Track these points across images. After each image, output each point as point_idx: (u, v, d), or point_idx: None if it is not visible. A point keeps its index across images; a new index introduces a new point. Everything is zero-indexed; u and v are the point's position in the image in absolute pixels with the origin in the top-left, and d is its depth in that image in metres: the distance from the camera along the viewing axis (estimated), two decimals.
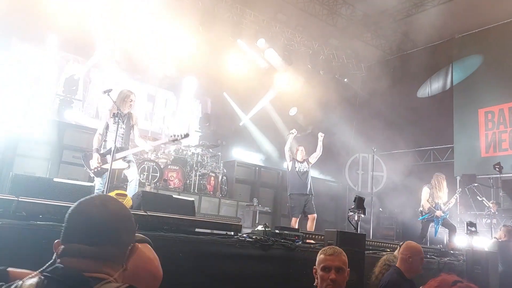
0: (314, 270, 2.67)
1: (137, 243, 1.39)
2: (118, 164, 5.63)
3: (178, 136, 5.85)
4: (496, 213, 9.33)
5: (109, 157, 5.35)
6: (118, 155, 5.54)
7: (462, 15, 11.92)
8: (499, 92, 11.28)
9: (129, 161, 5.83)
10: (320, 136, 8.34)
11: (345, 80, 14.62)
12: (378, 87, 13.14)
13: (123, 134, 5.82)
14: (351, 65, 14.78)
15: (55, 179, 3.95)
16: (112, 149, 5.08)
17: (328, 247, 2.72)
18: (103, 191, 5.05)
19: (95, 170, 5.57)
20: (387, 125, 12.96)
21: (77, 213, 1.30)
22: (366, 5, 12.69)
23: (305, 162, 8.25)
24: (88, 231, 1.26)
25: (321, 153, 8.35)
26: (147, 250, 1.60)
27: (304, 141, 9.69)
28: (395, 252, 4.53)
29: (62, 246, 1.24)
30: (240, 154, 13.33)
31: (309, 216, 7.92)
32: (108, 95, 5.21)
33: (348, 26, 13.36)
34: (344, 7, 12.77)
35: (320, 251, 2.70)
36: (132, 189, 5.66)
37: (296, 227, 7.35)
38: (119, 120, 5.33)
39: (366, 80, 14.49)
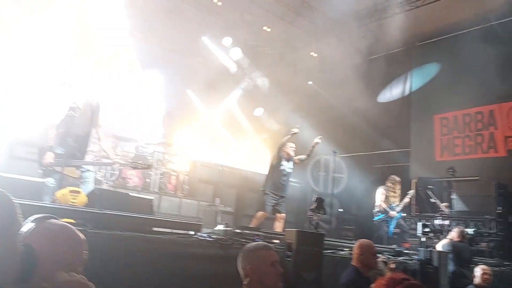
0: (251, 269, 2.45)
1: None
2: (71, 171, 5.11)
3: (138, 164, 5.44)
4: (448, 214, 9.73)
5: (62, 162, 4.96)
6: (74, 163, 5.08)
7: (422, 24, 12.35)
8: (454, 100, 11.77)
9: (84, 171, 5.20)
10: (317, 140, 8.06)
11: (310, 82, 14.80)
12: (340, 90, 13.40)
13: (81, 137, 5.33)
14: (316, 68, 14.97)
15: (4, 175, 3.75)
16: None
17: (262, 243, 2.60)
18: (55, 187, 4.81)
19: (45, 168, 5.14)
20: (349, 128, 13.22)
21: None
22: (331, 9, 12.90)
23: (291, 162, 7.94)
24: None
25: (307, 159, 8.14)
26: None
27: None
28: None
29: None
30: (203, 153, 13.21)
31: (278, 215, 7.69)
32: (64, 87, 5.00)
33: (314, 30, 13.55)
34: (310, 11, 12.94)
35: (256, 249, 2.54)
36: (88, 189, 5.34)
37: (261, 221, 7.35)
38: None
39: (330, 83, 14.73)
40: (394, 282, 1.91)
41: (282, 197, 7.73)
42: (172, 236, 4.12)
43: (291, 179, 14.01)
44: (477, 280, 5.49)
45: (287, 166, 7.76)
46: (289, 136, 7.79)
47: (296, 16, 13.04)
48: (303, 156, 8.02)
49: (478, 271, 5.59)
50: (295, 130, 7.69)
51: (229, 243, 4.46)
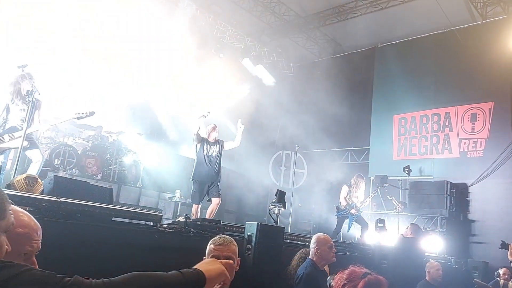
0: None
1: None
2: (16, 143, 5.23)
3: (83, 114, 5.50)
4: (402, 211, 10.13)
5: (6, 137, 5.07)
6: (15, 134, 5.23)
7: (386, 26, 12.72)
8: (413, 101, 12.21)
9: (29, 140, 5.39)
10: (240, 126, 7.33)
11: (273, 81, 14.84)
12: (305, 87, 13.59)
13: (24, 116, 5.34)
14: (281, 64, 15.10)
15: None
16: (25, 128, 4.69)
17: (217, 237, 2.62)
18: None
19: None
20: (311, 124, 13.43)
21: None
22: (299, 6, 13.05)
23: (217, 145, 7.29)
24: None
25: (238, 145, 7.46)
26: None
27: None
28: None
29: None
30: (165, 143, 13.00)
31: (212, 199, 7.12)
32: (23, 70, 4.79)
33: (281, 25, 13.64)
34: (278, 6, 13.00)
35: (210, 241, 2.61)
36: (34, 171, 5.27)
37: (198, 215, 6.88)
38: (28, 100, 4.92)
39: (294, 80, 14.89)
40: (355, 276, 1.88)
41: (212, 182, 7.14)
42: (132, 226, 4.05)
43: (250, 172, 14.25)
44: (430, 275, 5.68)
45: (210, 150, 7.18)
46: (199, 123, 7.14)
47: (264, 11, 13.07)
48: (232, 144, 7.38)
49: (430, 266, 5.78)
50: (206, 115, 7.13)
51: (189, 235, 4.44)
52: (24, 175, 4.19)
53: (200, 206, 7.13)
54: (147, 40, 11.50)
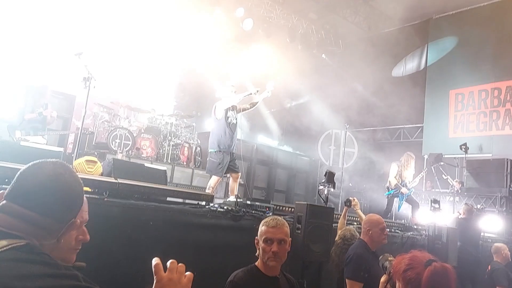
0: (256, 241, 2.61)
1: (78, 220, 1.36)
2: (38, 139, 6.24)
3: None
4: (459, 191, 9.73)
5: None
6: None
7: None
8: (470, 75, 11.55)
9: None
10: (269, 90, 6.66)
11: (323, 56, 14.60)
12: (354, 64, 13.21)
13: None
14: (329, 41, 14.74)
15: (22, 143, 3.84)
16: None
17: (270, 218, 2.64)
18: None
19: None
20: (361, 102, 13.11)
21: (26, 175, 1.30)
22: None
23: (235, 110, 6.66)
24: (30, 196, 1.25)
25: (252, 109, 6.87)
26: None
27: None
28: (351, 227, 4.71)
29: (4, 201, 1.26)
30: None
31: (233, 174, 6.69)
32: (79, 57, 5.04)
33: (328, 1, 13.26)
34: None
35: (262, 222, 2.63)
36: None
37: (216, 187, 6.58)
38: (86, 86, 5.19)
39: (343, 57, 14.52)
40: (418, 262, 1.69)
41: (233, 153, 6.62)
42: (184, 206, 4.22)
43: (299, 153, 14.21)
44: (498, 257, 5.82)
45: (232, 116, 6.58)
46: (242, 97, 6.59)
47: None
48: (247, 107, 6.82)
49: (499, 247, 5.91)
50: (253, 91, 6.57)
51: (240, 214, 4.55)
52: (85, 158, 4.46)
53: (220, 179, 6.70)
54: (194, 19, 11.64)
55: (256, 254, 2.61)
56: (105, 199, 3.46)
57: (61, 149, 4.82)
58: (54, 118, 6.92)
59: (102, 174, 4.41)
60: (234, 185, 6.69)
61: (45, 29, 9.48)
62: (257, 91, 6.66)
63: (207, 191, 6.45)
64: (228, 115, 6.48)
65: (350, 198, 5.32)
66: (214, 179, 6.55)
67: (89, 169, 4.21)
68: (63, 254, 1.32)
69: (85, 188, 3.49)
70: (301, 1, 13.21)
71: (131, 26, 10.77)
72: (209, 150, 6.55)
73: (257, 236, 2.62)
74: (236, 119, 6.61)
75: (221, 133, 6.44)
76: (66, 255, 1.34)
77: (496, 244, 6.17)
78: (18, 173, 1.30)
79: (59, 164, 1.36)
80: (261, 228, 2.60)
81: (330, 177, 5.52)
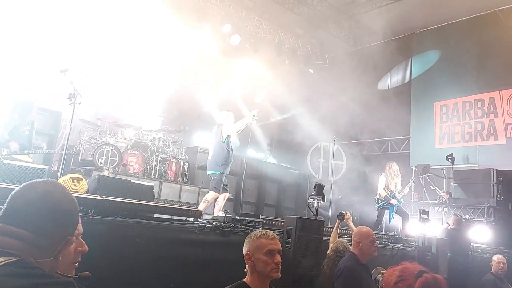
0: (247, 256, 2.54)
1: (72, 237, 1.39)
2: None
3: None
4: (447, 201, 9.79)
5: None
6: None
7: (422, 11, 12.26)
8: (454, 87, 11.75)
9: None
10: (253, 114, 6.81)
11: (310, 70, 14.73)
12: (340, 78, 13.35)
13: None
14: (316, 55, 14.90)
15: (5, 161, 3.76)
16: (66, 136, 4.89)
17: (263, 231, 2.63)
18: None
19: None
20: (348, 115, 13.21)
21: (17, 196, 1.32)
22: None
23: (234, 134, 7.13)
24: (20, 215, 1.28)
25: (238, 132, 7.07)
26: None
27: None
28: (343, 239, 4.68)
29: None
30: (203, 140, 13.20)
31: (224, 193, 6.93)
32: (65, 74, 5.00)
33: (314, 16, 13.45)
34: None
35: (255, 236, 2.58)
36: None
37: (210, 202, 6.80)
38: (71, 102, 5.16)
39: (330, 71, 14.67)
40: (409, 273, 1.66)
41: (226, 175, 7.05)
42: (173, 222, 4.15)
43: (289, 166, 14.21)
44: (493, 268, 5.90)
45: (233, 142, 7.13)
46: (246, 122, 6.89)
47: (296, 3, 12.93)
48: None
49: (493, 260, 6.00)
50: (254, 114, 6.76)
51: (229, 230, 4.50)
52: (70, 175, 4.38)
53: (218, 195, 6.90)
54: (181, 35, 11.69)
55: (246, 270, 2.56)
56: (91, 216, 3.39)
57: (46, 167, 4.73)
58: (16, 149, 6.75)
59: (87, 192, 4.33)
60: (223, 203, 6.89)
61: (32, 45, 9.41)
62: (254, 116, 6.83)
63: (201, 204, 6.76)
64: (230, 139, 6.98)
65: (343, 211, 5.32)
66: (212, 194, 6.83)
67: (74, 186, 4.14)
68: (63, 268, 1.37)
69: None
70: (287, 17, 13.38)
71: (118, 40, 10.76)
72: (214, 172, 6.87)
73: (247, 250, 2.56)
74: (233, 141, 7.09)
75: (225, 155, 6.88)
76: (66, 268, 1.39)
77: (493, 256, 6.35)
78: (10, 194, 1.33)
79: (50, 183, 1.39)
80: (258, 241, 2.56)
81: (319, 190, 5.51)
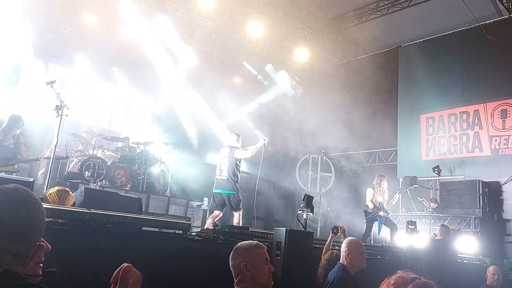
0: (244, 267, 2.47)
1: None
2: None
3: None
4: (434, 210, 9.90)
5: None
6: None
7: (408, 25, 12.52)
8: (439, 100, 11.93)
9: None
10: (264, 140, 7.27)
11: (297, 78, 14.82)
12: (328, 91, 13.48)
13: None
14: (303, 68, 15.05)
15: None
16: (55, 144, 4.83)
17: (254, 242, 2.62)
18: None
19: None
20: (336, 127, 13.31)
21: None
22: (318, 10, 13.01)
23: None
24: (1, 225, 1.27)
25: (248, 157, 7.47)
26: None
27: None
28: (336, 251, 4.68)
29: None
30: (192, 152, 13.16)
31: (220, 213, 7.27)
32: (52, 86, 4.96)
33: (301, 30, 13.61)
34: (298, 11, 13.01)
35: (249, 247, 2.55)
36: None
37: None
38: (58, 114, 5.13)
39: (317, 84, 14.81)
40: (403, 281, 1.84)
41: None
42: (161, 235, 4.11)
43: (277, 178, 14.21)
44: (488, 280, 6.05)
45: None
46: (258, 148, 7.21)
47: (284, 17, 13.10)
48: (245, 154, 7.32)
49: (489, 271, 6.15)
50: (265, 140, 7.24)
51: (218, 242, 4.47)
52: (56, 188, 4.32)
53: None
54: (170, 49, 11.74)
55: (237, 280, 2.51)
56: (77, 230, 3.34)
57: (31, 179, 4.65)
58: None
59: (74, 205, 4.27)
60: (218, 218, 7.08)
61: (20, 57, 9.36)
62: (265, 140, 7.27)
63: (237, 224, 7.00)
64: (240, 161, 7.35)
65: (338, 225, 5.32)
66: (237, 214, 7.15)
67: (61, 199, 4.08)
68: (31, 269, 1.36)
69: (57, 220, 3.35)
70: (275, 31, 13.51)
71: (106, 53, 10.77)
72: (232, 192, 7.13)
73: (243, 261, 2.50)
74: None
75: (238, 176, 7.28)
76: (33, 268, 1.38)
77: (488, 268, 6.54)
78: None
79: (16, 193, 1.35)
80: (255, 251, 2.54)
81: (308, 201, 5.52)
